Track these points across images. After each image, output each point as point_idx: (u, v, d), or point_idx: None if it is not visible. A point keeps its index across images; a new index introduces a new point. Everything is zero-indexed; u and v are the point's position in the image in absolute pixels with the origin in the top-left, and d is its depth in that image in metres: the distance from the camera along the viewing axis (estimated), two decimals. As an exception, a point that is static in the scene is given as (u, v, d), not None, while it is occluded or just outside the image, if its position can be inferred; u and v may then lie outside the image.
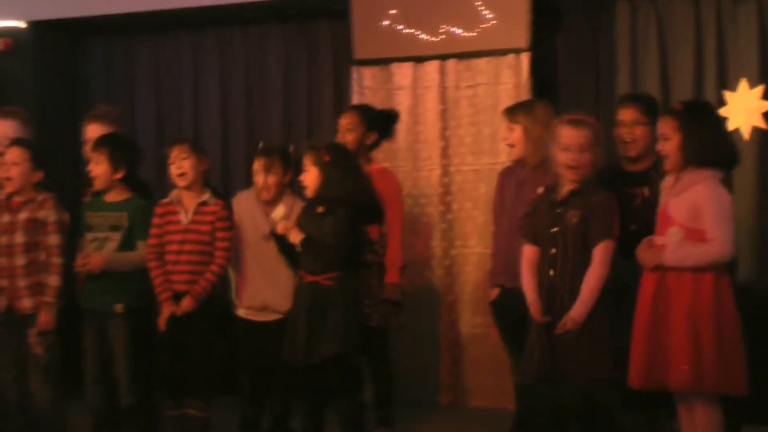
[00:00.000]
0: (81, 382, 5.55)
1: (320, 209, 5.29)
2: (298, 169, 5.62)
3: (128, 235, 5.55)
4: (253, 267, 5.63)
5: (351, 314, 5.35)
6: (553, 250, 4.74)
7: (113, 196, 5.58)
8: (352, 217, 5.35)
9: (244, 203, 5.67)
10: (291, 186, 5.67)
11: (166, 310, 5.40)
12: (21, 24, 7.28)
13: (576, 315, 4.62)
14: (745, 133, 6.11)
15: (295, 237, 5.26)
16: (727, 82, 6.23)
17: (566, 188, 4.78)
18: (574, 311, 4.62)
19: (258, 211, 5.65)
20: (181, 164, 5.49)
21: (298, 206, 5.55)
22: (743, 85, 6.16)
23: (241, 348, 5.61)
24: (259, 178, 5.61)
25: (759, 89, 6.13)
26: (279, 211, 5.49)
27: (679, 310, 4.46)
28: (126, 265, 5.49)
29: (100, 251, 5.46)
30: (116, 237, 5.51)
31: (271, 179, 5.59)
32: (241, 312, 5.61)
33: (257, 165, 5.61)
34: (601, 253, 4.64)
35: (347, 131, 5.83)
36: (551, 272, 4.73)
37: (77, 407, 5.62)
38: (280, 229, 5.34)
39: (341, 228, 5.30)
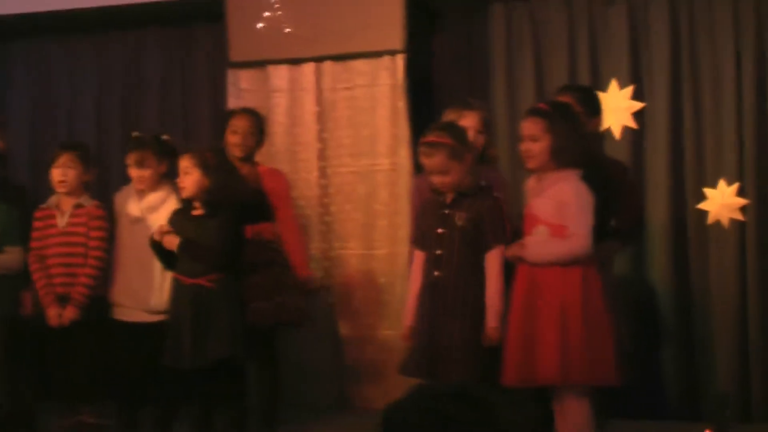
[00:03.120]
0: None
1: (199, 212, 5.28)
2: (174, 158, 5.62)
3: None
4: (125, 258, 5.63)
5: (237, 316, 5.33)
6: (439, 251, 4.78)
7: None
8: (236, 219, 5.36)
9: (123, 196, 5.69)
10: (168, 175, 5.65)
11: (52, 312, 5.42)
12: None
13: (493, 324, 4.67)
14: (616, 132, 6.23)
15: (171, 242, 5.23)
16: (599, 82, 6.31)
17: (455, 189, 4.83)
18: (489, 323, 4.67)
19: (133, 199, 5.66)
20: (66, 172, 5.51)
21: (173, 199, 5.56)
22: (614, 85, 6.27)
23: (115, 351, 5.60)
24: (133, 171, 5.60)
25: (629, 89, 6.26)
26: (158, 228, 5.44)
27: (548, 305, 4.53)
28: None
29: None
30: None
31: (145, 172, 5.57)
32: (116, 312, 5.60)
33: (130, 159, 5.59)
34: (495, 261, 4.70)
35: (249, 134, 5.84)
36: (436, 273, 4.78)
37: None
38: (157, 236, 5.31)
39: (225, 230, 5.29)
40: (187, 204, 5.34)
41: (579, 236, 4.50)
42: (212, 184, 5.24)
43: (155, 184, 5.63)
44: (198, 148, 5.45)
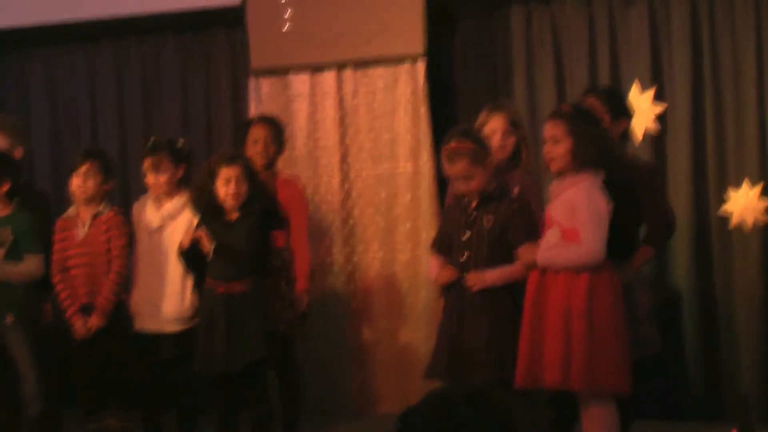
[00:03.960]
0: None
1: (232, 216, 5.30)
2: (191, 164, 5.65)
3: (14, 249, 5.57)
4: (143, 266, 5.65)
5: (267, 319, 5.37)
6: (466, 254, 4.79)
7: None
8: (265, 223, 5.37)
9: (141, 205, 5.69)
10: (186, 182, 5.68)
11: (78, 323, 5.42)
12: None
13: (489, 277, 4.69)
14: (639, 134, 6.23)
15: (208, 244, 5.23)
16: (620, 84, 6.31)
17: (481, 190, 4.82)
18: (489, 273, 4.69)
19: (150, 208, 5.67)
20: (86, 180, 5.51)
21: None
22: (635, 87, 6.27)
23: (136, 359, 5.62)
24: (150, 177, 5.60)
25: (651, 91, 6.26)
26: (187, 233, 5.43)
27: (553, 310, 4.51)
28: (12, 276, 5.52)
29: None
30: (0, 252, 5.53)
31: (162, 177, 5.58)
32: (136, 321, 5.62)
33: (146, 164, 5.60)
34: (522, 252, 4.67)
35: (270, 143, 5.86)
36: (462, 276, 4.78)
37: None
38: (187, 240, 5.31)
39: (255, 233, 5.31)
40: (212, 210, 5.34)
41: (588, 244, 4.45)
42: (249, 191, 5.29)
43: (172, 190, 5.64)
44: (227, 155, 5.46)
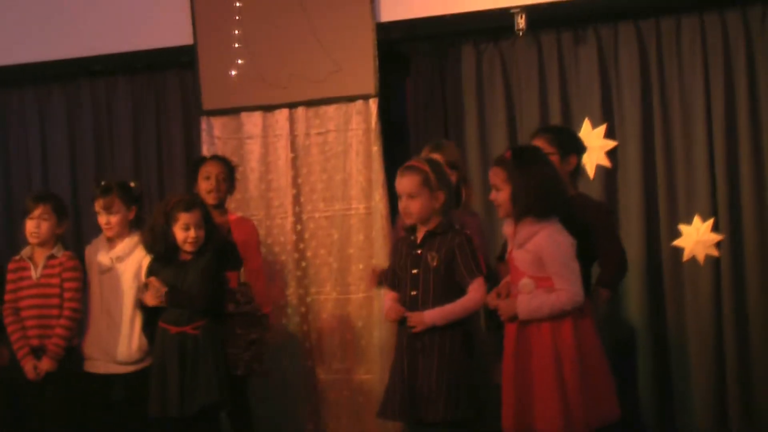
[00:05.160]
0: None
1: (185, 257, 5.31)
2: (142, 205, 5.71)
3: None
4: (95, 309, 5.65)
5: (221, 362, 5.36)
6: (414, 292, 4.78)
7: None
8: (215, 263, 5.39)
9: (93, 247, 5.71)
10: (137, 223, 5.71)
11: (27, 366, 5.42)
12: None
13: (428, 317, 4.67)
14: (590, 171, 6.26)
15: (157, 295, 5.26)
16: (571, 121, 6.35)
17: (423, 229, 4.83)
18: (428, 313, 4.68)
19: (102, 249, 5.68)
20: (39, 223, 5.55)
21: (140, 247, 5.58)
22: (586, 124, 6.32)
23: (88, 403, 5.61)
24: (101, 218, 5.63)
25: (601, 128, 6.30)
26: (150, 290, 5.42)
27: (541, 359, 4.51)
28: None
29: None
30: None
31: (113, 218, 5.62)
32: (87, 365, 5.62)
33: (97, 205, 5.63)
34: (477, 287, 4.70)
35: (221, 181, 5.88)
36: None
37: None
38: (147, 297, 5.33)
39: (208, 275, 5.33)
40: (167, 252, 5.36)
41: (567, 290, 4.49)
42: (205, 233, 5.35)
43: (124, 231, 5.66)
44: (178, 196, 5.49)
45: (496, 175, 4.66)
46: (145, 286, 5.38)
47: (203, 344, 5.29)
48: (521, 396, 4.53)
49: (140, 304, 5.44)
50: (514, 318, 4.59)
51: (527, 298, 4.56)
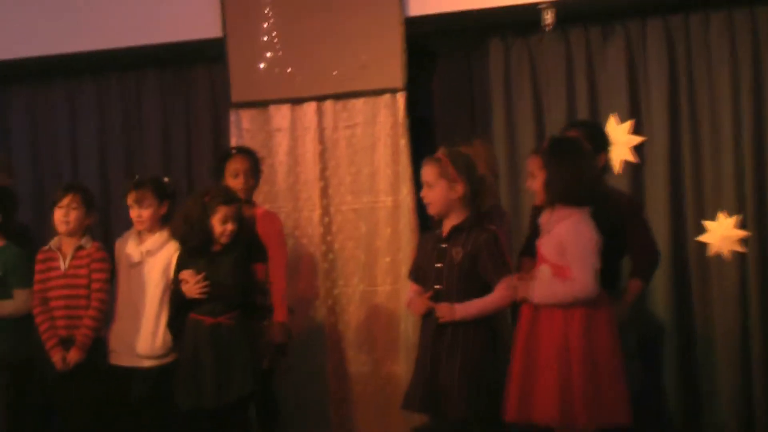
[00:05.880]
0: None
1: (216, 248, 5.31)
2: (174, 202, 5.68)
3: (3, 283, 5.62)
4: (122, 303, 5.67)
5: (254, 351, 5.38)
6: (438, 286, 4.80)
7: None
8: (246, 256, 5.40)
9: (123, 241, 5.73)
10: (168, 219, 5.70)
11: (56, 357, 5.43)
12: None
13: (459, 311, 4.68)
14: (616, 166, 6.29)
15: (201, 286, 5.26)
16: (598, 117, 6.39)
17: (449, 223, 4.84)
18: (459, 306, 4.69)
19: (132, 242, 5.70)
20: (68, 212, 5.55)
21: (172, 242, 5.59)
22: (613, 120, 6.34)
23: (113, 395, 5.62)
24: (133, 212, 5.63)
25: (628, 124, 6.34)
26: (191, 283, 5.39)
27: (549, 347, 4.52)
28: (3, 315, 5.56)
29: None
30: None
31: (145, 212, 5.62)
32: (111, 357, 5.64)
33: (130, 198, 5.65)
34: (506, 285, 4.71)
35: (249, 176, 5.90)
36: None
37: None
38: (189, 290, 5.30)
39: (240, 267, 5.34)
40: (199, 243, 5.35)
41: (580, 280, 4.51)
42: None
43: (154, 226, 5.68)
44: (215, 189, 5.48)
45: (533, 163, 4.71)
46: (177, 281, 5.37)
47: (237, 335, 5.30)
48: (525, 381, 4.57)
49: (175, 298, 5.41)
50: (527, 300, 4.64)
51: (542, 283, 4.59)
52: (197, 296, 5.22)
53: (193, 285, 5.23)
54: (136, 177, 5.79)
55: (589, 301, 4.53)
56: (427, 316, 4.87)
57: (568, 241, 4.55)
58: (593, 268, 4.52)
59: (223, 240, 5.27)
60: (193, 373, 5.25)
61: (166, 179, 5.80)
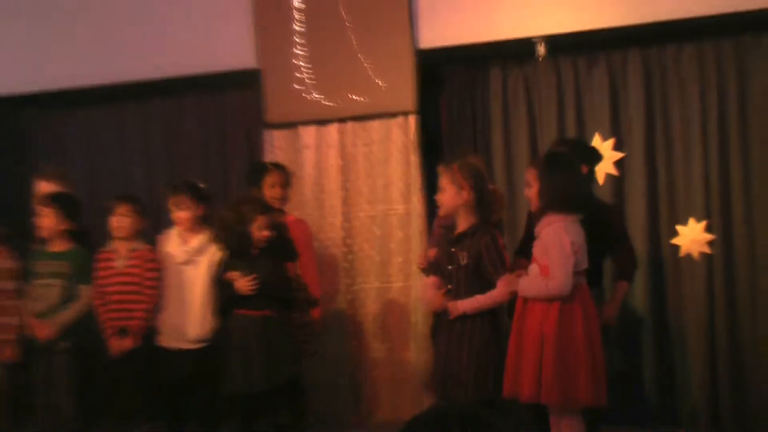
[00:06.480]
0: (33, 410, 5.92)
1: (255, 252, 5.54)
2: (210, 204, 5.93)
3: (70, 281, 5.88)
4: (170, 293, 5.89)
5: (295, 340, 5.69)
6: (450, 286, 4.99)
7: (57, 246, 5.92)
8: (280, 256, 5.69)
9: (165, 238, 5.99)
10: (206, 219, 5.92)
11: (114, 343, 5.75)
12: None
13: (461, 306, 4.88)
14: (600, 178, 6.49)
15: (251, 284, 5.48)
16: (585, 136, 6.60)
17: (458, 229, 5.01)
18: (461, 302, 4.88)
19: (174, 242, 5.93)
20: (122, 220, 5.87)
21: (212, 244, 5.81)
22: (597, 137, 6.59)
23: (160, 374, 5.88)
24: (175, 214, 5.89)
25: (610, 141, 6.59)
26: (242, 280, 5.54)
27: (529, 334, 4.70)
28: (73, 317, 5.83)
29: (45, 298, 5.83)
30: (58, 283, 5.84)
31: (183, 213, 5.87)
32: (161, 340, 5.88)
33: (170, 202, 5.89)
34: (504, 283, 4.88)
35: (284, 188, 6.11)
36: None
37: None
38: (242, 286, 5.49)
39: (278, 266, 5.62)
40: (239, 247, 5.56)
41: (556, 279, 4.63)
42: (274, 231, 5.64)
43: (194, 226, 5.88)
44: (252, 200, 5.71)
45: (530, 174, 4.89)
46: (222, 281, 5.56)
47: (282, 324, 5.56)
48: (516, 364, 4.72)
49: (222, 292, 5.60)
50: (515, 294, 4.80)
51: (527, 279, 4.76)
52: (248, 292, 5.49)
53: (244, 283, 5.49)
54: (175, 183, 6.05)
55: (564, 297, 4.65)
56: (441, 313, 5.04)
57: (549, 244, 4.68)
58: (567, 269, 4.63)
59: (261, 244, 5.55)
60: (242, 361, 5.47)
61: (201, 184, 6.00)
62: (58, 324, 5.79)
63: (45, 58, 7.43)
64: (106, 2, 7.38)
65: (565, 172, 4.81)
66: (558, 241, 4.67)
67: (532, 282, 4.75)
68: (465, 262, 4.93)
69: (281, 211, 6.08)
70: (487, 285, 4.92)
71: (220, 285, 5.62)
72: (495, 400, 4.84)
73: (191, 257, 5.91)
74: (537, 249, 4.78)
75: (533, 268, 4.78)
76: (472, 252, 4.92)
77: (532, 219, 5.06)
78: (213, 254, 5.83)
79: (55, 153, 7.68)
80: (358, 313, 7.08)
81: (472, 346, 4.90)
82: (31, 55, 7.45)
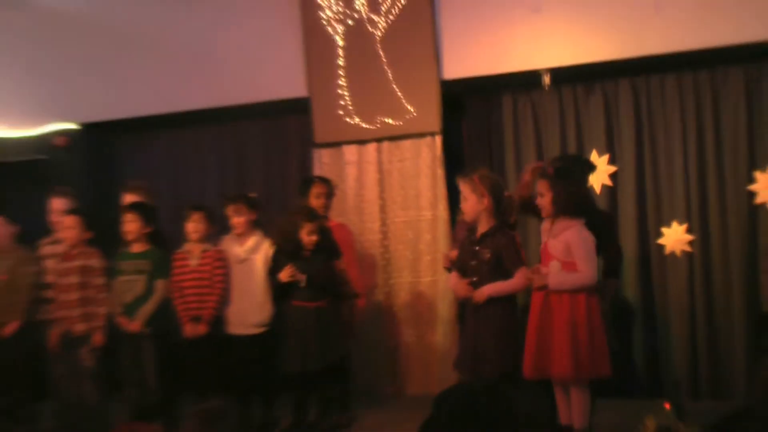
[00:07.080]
0: (119, 386, 6.34)
1: (307, 253, 6.06)
2: (262, 210, 6.36)
3: (150, 277, 6.35)
4: (234, 287, 6.35)
5: (344, 326, 6.24)
6: (474, 278, 5.35)
7: (138, 248, 6.40)
8: (328, 255, 6.16)
9: (226, 241, 6.49)
10: (258, 224, 6.38)
11: (189, 329, 6.24)
12: (73, 126, 8.12)
13: (486, 290, 5.20)
14: (597, 188, 7.02)
15: (301, 277, 6.00)
16: (583, 152, 7.05)
17: (480, 230, 5.33)
18: (485, 287, 5.21)
19: (234, 243, 6.38)
20: (196, 226, 6.35)
21: (266, 242, 6.29)
22: (594, 153, 7.07)
23: (230, 356, 6.30)
24: (233, 219, 6.37)
25: (605, 157, 7.09)
26: (285, 271, 6.04)
27: (560, 321, 4.99)
28: (153, 308, 6.29)
29: (130, 291, 6.28)
30: (141, 279, 6.33)
31: (240, 219, 6.35)
32: (229, 327, 6.34)
33: (229, 210, 6.40)
34: (521, 275, 5.24)
35: (327, 198, 6.57)
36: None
37: (118, 405, 6.41)
38: (284, 277, 6.00)
39: (327, 264, 6.12)
40: (293, 248, 6.06)
41: (587, 272, 4.97)
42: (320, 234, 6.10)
43: (249, 230, 6.34)
44: (302, 210, 6.20)
45: (542, 185, 5.16)
46: (275, 273, 6.00)
47: (334, 313, 6.09)
48: (541, 347, 5.03)
49: (276, 284, 6.05)
50: (543, 287, 5.06)
51: (557, 276, 5.02)
52: (301, 285, 5.99)
53: (285, 274, 6.07)
54: (232, 194, 6.49)
55: (588, 289, 4.98)
56: (467, 300, 5.38)
57: (574, 245, 4.97)
58: (594, 263, 5.00)
59: (310, 247, 6.08)
60: (299, 344, 5.97)
61: (252, 194, 6.47)
62: (141, 317, 6.20)
63: (129, 89, 7.89)
64: (181, 42, 7.83)
65: (575, 182, 5.18)
66: (582, 240, 4.99)
67: (564, 277, 5.00)
68: (488, 257, 5.28)
69: (325, 217, 6.53)
70: (505, 276, 5.29)
71: (276, 280, 6.10)
72: (514, 374, 5.14)
73: (248, 255, 6.36)
74: (555, 249, 5.07)
75: (554, 264, 5.05)
76: (494, 249, 5.29)
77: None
78: (266, 251, 6.31)
79: (144, 170, 8.02)
80: (393, 304, 7.49)
81: (497, 328, 5.25)
82: (119, 86, 7.92)
